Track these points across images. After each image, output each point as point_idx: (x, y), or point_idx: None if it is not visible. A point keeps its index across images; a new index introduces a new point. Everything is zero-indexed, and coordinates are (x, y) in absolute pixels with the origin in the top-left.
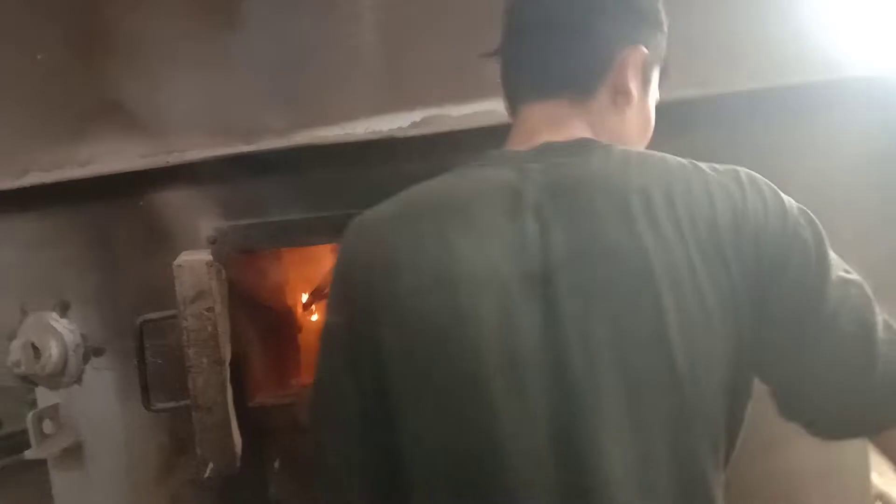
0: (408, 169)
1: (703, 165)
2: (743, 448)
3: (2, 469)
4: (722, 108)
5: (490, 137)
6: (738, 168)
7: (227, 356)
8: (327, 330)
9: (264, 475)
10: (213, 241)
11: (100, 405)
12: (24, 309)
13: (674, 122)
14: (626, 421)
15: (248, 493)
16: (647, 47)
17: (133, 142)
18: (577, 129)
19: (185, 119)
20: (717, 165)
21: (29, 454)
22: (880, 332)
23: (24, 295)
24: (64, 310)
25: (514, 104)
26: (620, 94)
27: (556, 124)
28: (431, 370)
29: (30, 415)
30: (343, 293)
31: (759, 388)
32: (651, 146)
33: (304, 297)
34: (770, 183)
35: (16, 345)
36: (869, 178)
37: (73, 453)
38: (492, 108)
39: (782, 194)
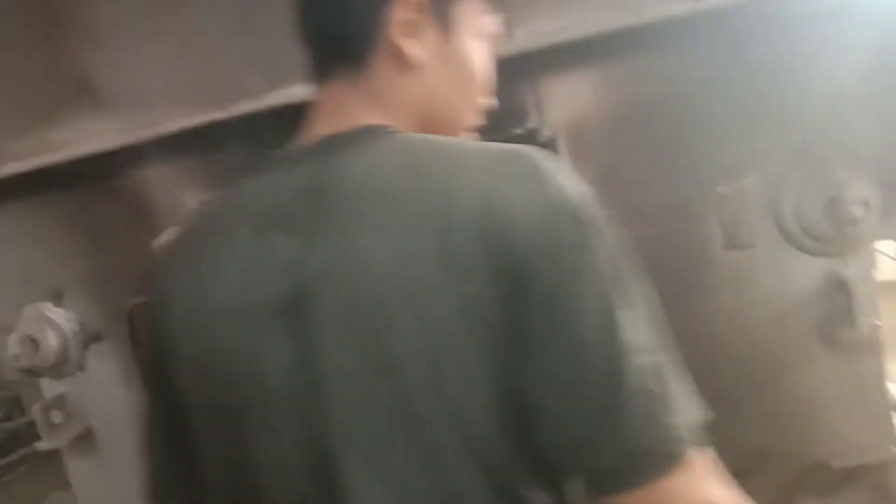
0: None
1: (485, 155)
2: (758, 374)
3: (25, 458)
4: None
5: None
6: (524, 156)
7: None
8: (144, 368)
9: None
10: None
11: (106, 391)
12: (18, 302)
13: (667, 39)
14: (383, 459)
15: None
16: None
17: (105, 120)
18: (362, 113)
19: (156, 91)
20: (504, 150)
21: (40, 445)
22: (637, 366)
23: (17, 288)
24: (58, 299)
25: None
26: (396, 57)
27: (335, 109)
28: (201, 408)
29: (35, 407)
30: (150, 331)
31: (764, 312)
32: (648, 65)
33: None
34: (553, 173)
35: (13, 339)
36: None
37: (86, 440)
38: None
39: (565, 189)
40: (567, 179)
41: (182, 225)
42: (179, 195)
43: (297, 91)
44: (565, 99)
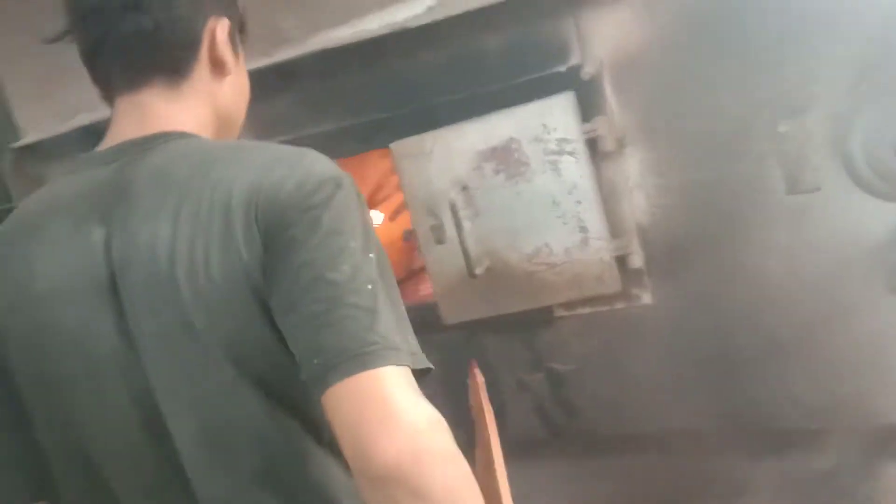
0: (431, 59)
1: (264, 150)
2: (821, 318)
3: None
4: None
5: (518, 11)
6: (294, 149)
7: None
8: None
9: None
10: None
11: None
12: None
13: None
14: (189, 395)
15: None
16: (230, 16)
17: None
18: (168, 120)
19: None
20: (282, 147)
21: None
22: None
23: None
24: None
25: (110, 97)
26: (217, 66)
27: (144, 116)
28: (32, 382)
29: None
30: None
31: (827, 257)
32: None
33: None
34: (311, 158)
35: None
36: None
37: None
38: None
39: (316, 165)
40: (322, 161)
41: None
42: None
43: (335, 34)
44: (610, 30)
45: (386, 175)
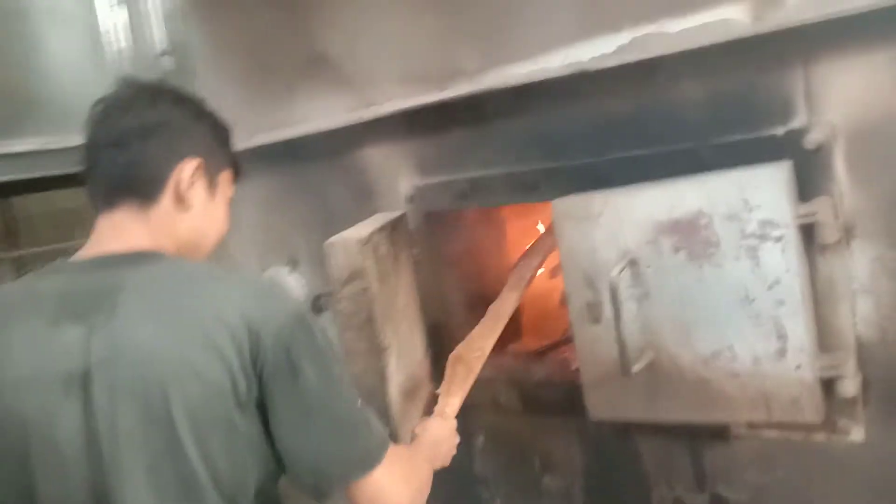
0: (613, 106)
1: (239, 277)
2: None
3: None
4: None
5: (730, 56)
6: (260, 281)
7: (389, 342)
8: None
9: (469, 452)
10: (410, 200)
11: None
12: (261, 265)
13: None
14: (149, 492)
15: (452, 470)
16: (201, 158)
17: (338, 97)
18: (138, 238)
19: (381, 68)
20: (237, 279)
21: None
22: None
23: (260, 252)
24: (294, 266)
25: (96, 215)
26: (179, 201)
27: (118, 233)
28: (6, 460)
29: None
30: None
31: None
32: None
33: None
34: (281, 293)
35: None
36: None
37: None
38: (724, 17)
39: (291, 305)
40: (290, 297)
41: None
42: (395, 177)
43: (512, 71)
44: (851, 87)
45: None
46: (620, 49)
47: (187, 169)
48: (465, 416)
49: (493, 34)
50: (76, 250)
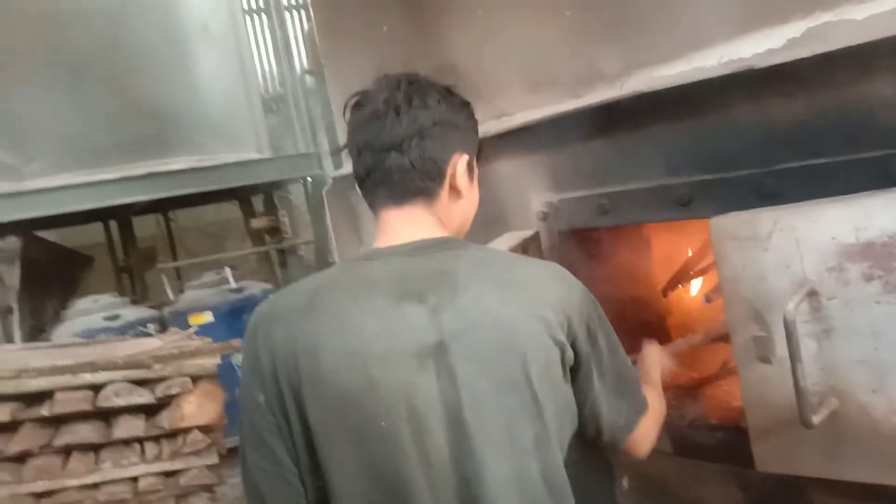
0: (783, 108)
1: (526, 258)
2: None
3: None
4: None
5: None
6: (555, 266)
7: None
8: (246, 403)
9: (610, 493)
10: (543, 218)
11: None
12: None
13: None
14: (507, 447)
15: None
16: (468, 152)
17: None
18: (432, 228)
19: (509, 75)
20: (536, 261)
21: None
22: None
23: None
24: None
25: (373, 209)
26: (454, 192)
27: (415, 225)
28: (353, 428)
29: None
30: (263, 373)
31: None
32: None
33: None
34: (574, 278)
35: None
36: None
37: None
38: None
39: (583, 286)
40: (576, 279)
41: (294, 294)
42: (527, 193)
43: (660, 73)
44: None
45: None
46: (791, 42)
47: (460, 164)
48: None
49: (635, 32)
50: (229, 260)
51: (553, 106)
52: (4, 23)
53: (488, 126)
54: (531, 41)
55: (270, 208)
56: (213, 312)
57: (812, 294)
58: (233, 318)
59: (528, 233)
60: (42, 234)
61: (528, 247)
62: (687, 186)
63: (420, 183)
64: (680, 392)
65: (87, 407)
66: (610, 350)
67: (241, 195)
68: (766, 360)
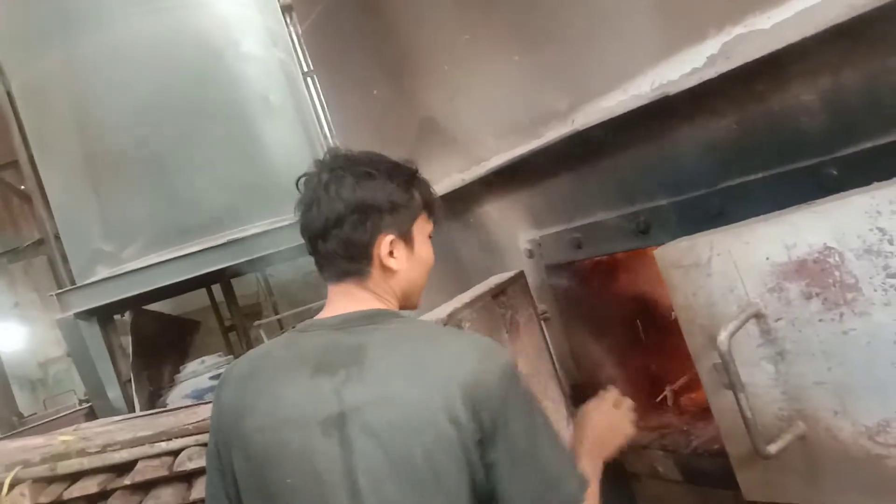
0: (719, 126)
1: (452, 331)
2: None
3: None
4: None
5: (831, 49)
6: (480, 341)
7: None
8: (207, 448)
9: None
10: (529, 255)
11: None
12: None
13: None
14: None
15: None
16: (394, 230)
17: (450, 157)
18: (367, 301)
19: (481, 123)
20: (460, 337)
21: None
22: None
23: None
24: None
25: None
26: (386, 269)
27: (347, 299)
28: (267, 483)
29: None
30: (213, 426)
31: None
32: None
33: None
34: (498, 354)
35: None
36: None
37: None
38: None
39: (505, 364)
40: (503, 356)
41: (246, 361)
42: (514, 232)
43: (602, 105)
44: None
45: None
46: (710, 60)
47: (384, 245)
48: (625, 487)
49: (575, 67)
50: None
51: (519, 147)
52: (99, 130)
53: (471, 172)
54: (491, 89)
55: None
56: None
57: (759, 316)
58: None
59: (509, 275)
60: (157, 306)
61: (506, 289)
62: (644, 213)
63: (348, 266)
64: (684, 417)
65: (165, 472)
66: (528, 434)
67: None
68: (730, 385)
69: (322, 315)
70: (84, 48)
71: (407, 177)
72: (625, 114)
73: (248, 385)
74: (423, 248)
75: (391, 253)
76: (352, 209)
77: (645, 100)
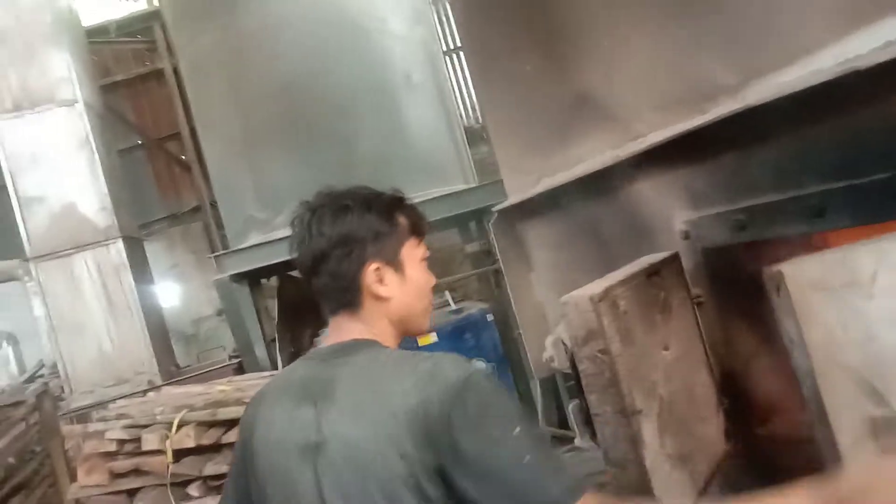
0: None
1: (416, 359)
2: None
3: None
4: None
5: None
6: (439, 361)
7: (641, 405)
8: (233, 456)
9: None
10: (685, 236)
11: None
12: (554, 307)
13: None
14: None
15: None
16: (379, 257)
17: (605, 133)
18: (355, 331)
19: (639, 97)
20: (426, 358)
21: (578, 442)
22: None
23: (557, 291)
24: None
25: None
26: (377, 297)
27: (340, 329)
28: (267, 493)
29: (570, 406)
30: (239, 437)
31: None
32: None
33: None
34: (445, 375)
35: (549, 341)
36: None
37: None
38: None
39: (452, 385)
40: (453, 375)
41: (271, 380)
42: (668, 213)
43: (779, 80)
44: None
45: None
46: None
47: (369, 275)
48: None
49: (746, 39)
50: (448, 284)
51: (680, 124)
52: (257, 102)
53: (626, 149)
54: (653, 60)
55: (483, 232)
56: (437, 333)
57: None
58: (455, 337)
59: (662, 255)
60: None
61: (659, 272)
62: (817, 196)
63: (340, 297)
64: None
65: None
66: (486, 451)
67: (458, 223)
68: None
69: (323, 343)
70: (243, 25)
71: (387, 205)
72: (805, 89)
73: (258, 406)
74: (416, 272)
75: (381, 280)
76: (334, 244)
77: (829, 75)
